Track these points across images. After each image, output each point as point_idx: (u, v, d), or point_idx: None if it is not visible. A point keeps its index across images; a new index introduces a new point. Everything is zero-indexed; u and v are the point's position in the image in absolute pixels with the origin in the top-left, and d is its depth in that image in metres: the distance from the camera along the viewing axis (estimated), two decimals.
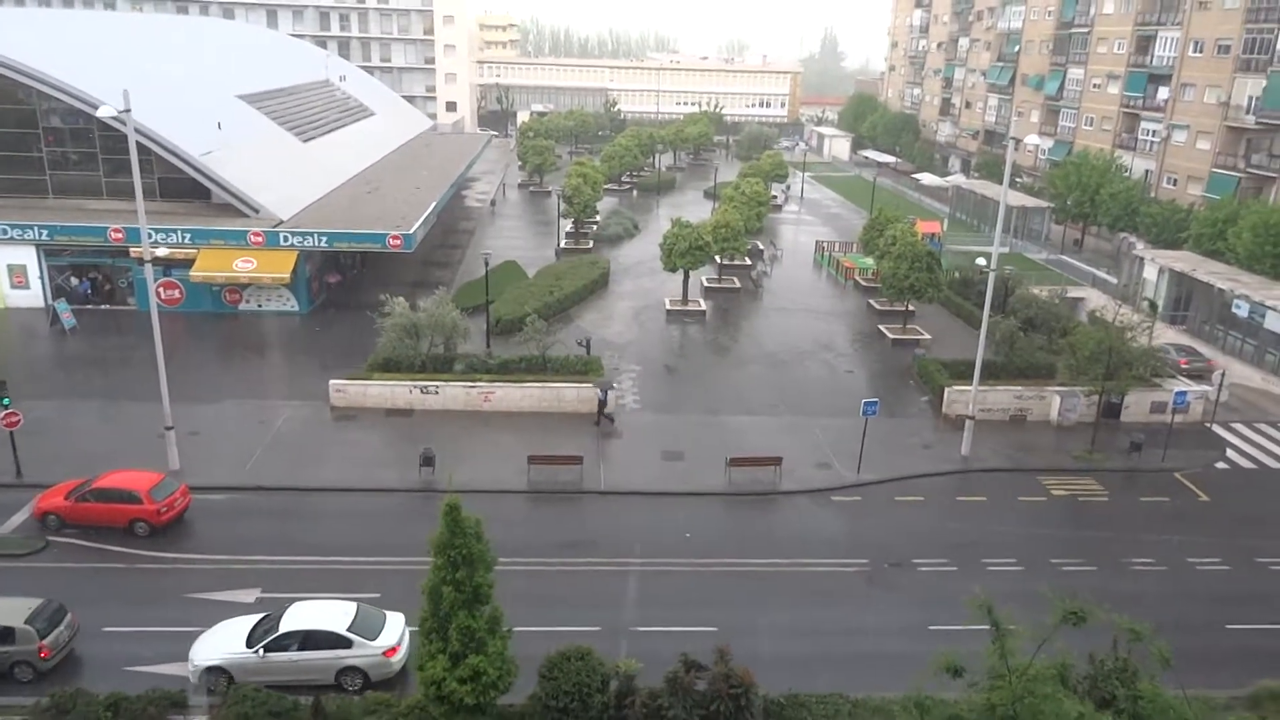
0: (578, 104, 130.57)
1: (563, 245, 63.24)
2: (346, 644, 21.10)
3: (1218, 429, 38.04)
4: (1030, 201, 72.52)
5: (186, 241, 44.21)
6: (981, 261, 40.05)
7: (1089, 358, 34.95)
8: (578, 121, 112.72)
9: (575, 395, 36.48)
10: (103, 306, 46.09)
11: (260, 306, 46.93)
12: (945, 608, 24.08)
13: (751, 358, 44.39)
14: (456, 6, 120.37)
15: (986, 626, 11.78)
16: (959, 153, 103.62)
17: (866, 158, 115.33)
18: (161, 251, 36.08)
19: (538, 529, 28.65)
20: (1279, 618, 25.54)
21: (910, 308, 48.24)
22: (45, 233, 44.36)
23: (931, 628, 23.67)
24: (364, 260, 54.09)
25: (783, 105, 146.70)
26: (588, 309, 50.19)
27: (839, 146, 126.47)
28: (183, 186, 46.78)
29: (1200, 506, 32.01)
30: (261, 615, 22.23)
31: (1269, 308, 42.93)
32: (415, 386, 36.35)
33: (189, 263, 44.06)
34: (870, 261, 56.21)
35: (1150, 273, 51.93)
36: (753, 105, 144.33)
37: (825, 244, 64.98)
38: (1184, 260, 51.04)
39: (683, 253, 48.54)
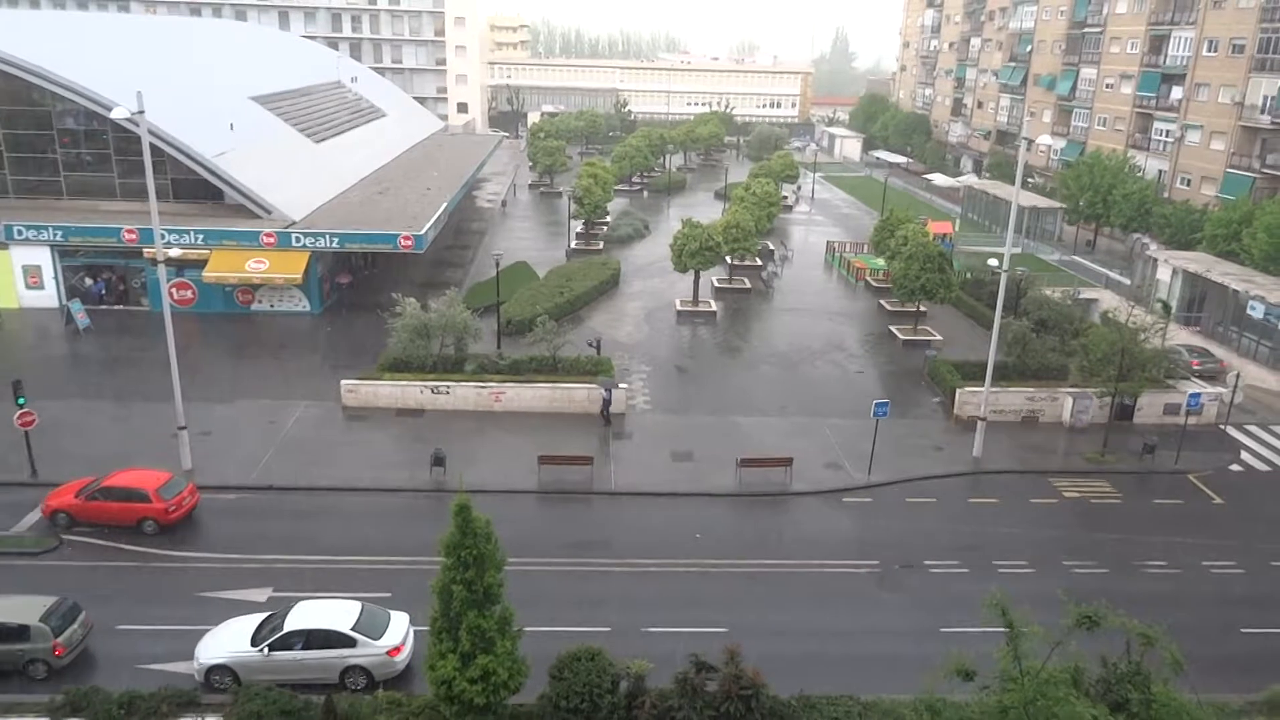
0: (588, 105, 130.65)
1: (573, 246, 63.35)
2: (351, 643, 21.15)
3: (1232, 431, 37.78)
4: (1043, 202, 72.20)
5: (199, 242, 44.51)
6: (993, 262, 39.91)
7: (1102, 359, 34.76)
8: (588, 122, 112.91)
9: (586, 396, 36.52)
10: (116, 307, 46.38)
11: (272, 307, 47.17)
12: (956, 610, 24.04)
13: (762, 358, 44.35)
14: (468, 8, 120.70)
15: (998, 629, 11.74)
16: (971, 153, 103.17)
17: (878, 158, 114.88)
18: (175, 252, 36.40)
19: (548, 529, 28.69)
20: None
21: (921, 308, 48.08)
22: (60, 234, 44.69)
23: (943, 630, 23.55)
24: (375, 261, 54.28)
25: (793, 105, 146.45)
26: (598, 309, 50.24)
27: (850, 147, 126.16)
28: (196, 188, 47.05)
29: (1214, 509, 31.80)
30: (266, 614, 22.34)
31: None
32: (426, 387, 36.45)
33: (202, 263, 44.38)
34: (881, 262, 56.07)
35: (1164, 274, 51.62)
36: (763, 106, 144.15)
37: (836, 244, 64.92)
38: (1198, 261, 50.70)
39: (693, 253, 48.54)
